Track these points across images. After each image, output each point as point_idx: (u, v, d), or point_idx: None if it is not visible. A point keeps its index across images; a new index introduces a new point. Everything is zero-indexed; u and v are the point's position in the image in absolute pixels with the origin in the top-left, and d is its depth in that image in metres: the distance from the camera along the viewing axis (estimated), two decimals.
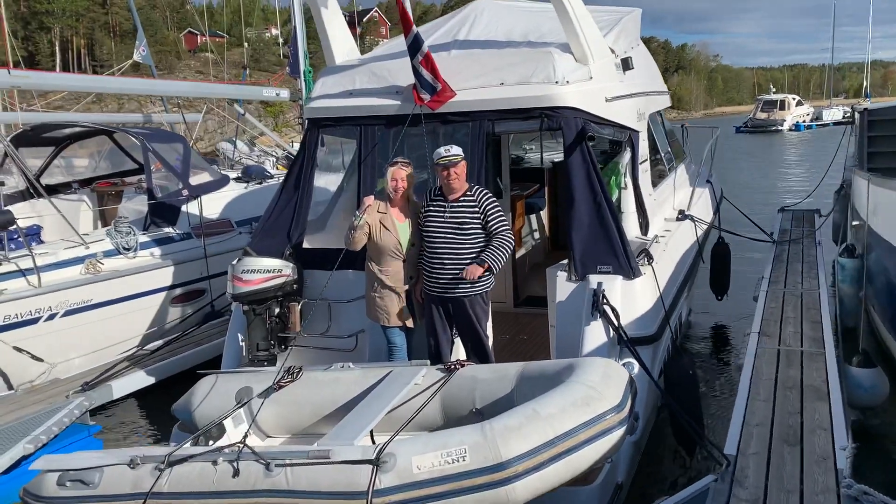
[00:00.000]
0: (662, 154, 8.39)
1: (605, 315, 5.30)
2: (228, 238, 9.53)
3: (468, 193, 5.33)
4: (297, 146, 16.41)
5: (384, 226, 5.47)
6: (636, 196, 6.61)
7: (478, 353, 5.44)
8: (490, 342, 5.56)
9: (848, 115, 63.30)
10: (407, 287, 5.55)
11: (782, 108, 58.94)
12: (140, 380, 7.06)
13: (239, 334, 6.16)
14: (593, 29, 6.31)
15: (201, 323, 8.63)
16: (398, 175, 5.48)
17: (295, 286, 6.04)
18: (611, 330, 5.32)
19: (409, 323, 5.59)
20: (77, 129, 10.07)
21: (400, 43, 7.13)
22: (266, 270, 5.85)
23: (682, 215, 7.65)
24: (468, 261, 5.25)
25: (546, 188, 10.13)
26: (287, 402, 5.13)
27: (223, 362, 6.22)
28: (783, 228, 12.45)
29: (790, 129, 57.74)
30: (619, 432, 3.94)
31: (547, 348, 6.75)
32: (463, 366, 4.95)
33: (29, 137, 9.80)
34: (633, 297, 5.53)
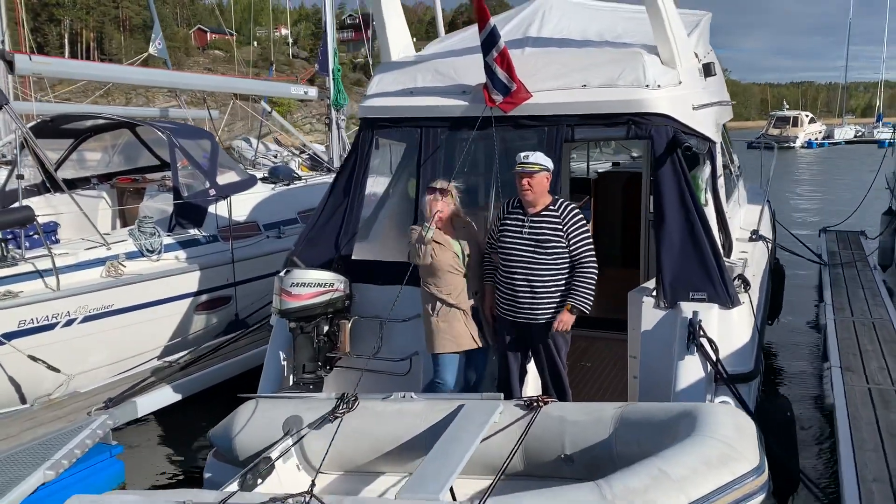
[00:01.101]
0: (730, 169, 7.82)
1: (702, 349, 4.72)
2: (255, 242, 8.95)
3: (551, 207, 4.76)
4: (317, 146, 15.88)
5: (437, 242, 4.92)
6: (718, 213, 6.04)
7: (556, 386, 4.86)
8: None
9: (860, 134, 62.72)
10: (472, 303, 4.99)
11: (795, 124, 58.43)
12: (166, 396, 6.46)
13: (281, 353, 5.58)
14: (682, 30, 5.74)
15: (225, 332, 8.06)
16: (435, 207, 4.99)
17: (346, 302, 5.46)
18: (708, 366, 4.74)
19: (480, 343, 5.03)
20: (98, 122, 9.50)
21: (462, 39, 6.58)
22: (317, 284, 5.26)
23: (756, 235, 7.06)
24: (549, 283, 4.69)
25: (592, 200, 9.55)
26: (342, 434, 4.54)
27: (261, 383, 5.62)
28: (831, 250, 11.89)
29: (802, 147, 57.19)
30: (760, 499, 3.35)
31: (618, 379, 6.19)
32: (546, 402, 4.37)
33: (48, 128, 9.21)
34: (729, 329, 4.94)
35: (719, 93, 7.28)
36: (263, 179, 10.48)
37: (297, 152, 17.67)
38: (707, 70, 6.29)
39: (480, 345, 5.06)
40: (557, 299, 4.72)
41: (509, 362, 4.92)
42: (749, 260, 6.16)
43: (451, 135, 5.70)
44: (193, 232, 8.37)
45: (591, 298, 4.76)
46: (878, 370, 6.44)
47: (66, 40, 62.54)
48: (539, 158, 4.72)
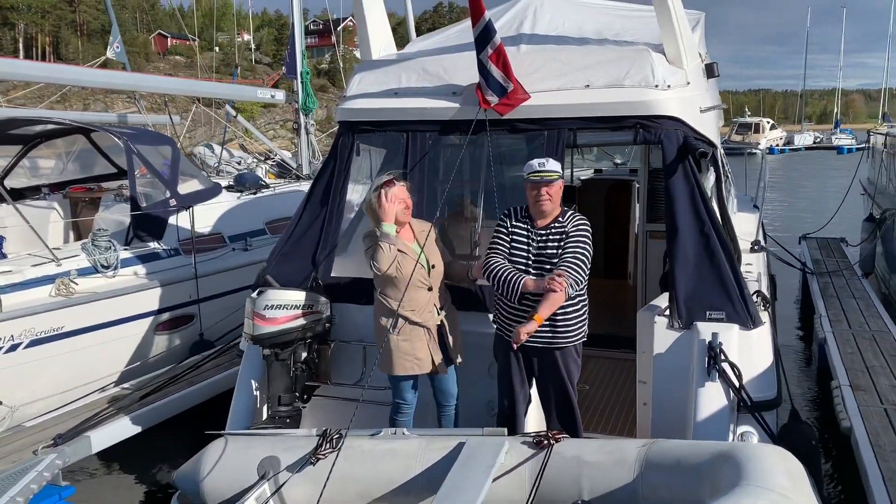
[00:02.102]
0: (727, 175, 7.44)
1: (724, 375, 4.28)
2: (220, 255, 8.34)
3: (560, 219, 4.28)
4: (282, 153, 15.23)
5: (400, 250, 4.43)
6: (726, 224, 5.63)
7: (565, 418, 4.38)
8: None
9: (819, 140, 63.80)
10: (438, 320, 4.51)
11: (757, 130, 59.10)
12: (124, 429, 5.81)
13: (253, 382, 5.02)
14: (688, 27, 5.33)
15: (189, 354, 7.44)
16: (401, 195, 4.47)
17: (326, 325, 4.92)
18: (730, 393, 4.30)
19: (443, 370, 4.57)
20: (49, 127, 8.79)
21: (450, 35, 6.10)
22: (294, 306, 4.71)
23: (758, 246, 6.68)
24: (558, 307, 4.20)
25: (576, 209, 9.13)
26: (325, 477, 4.01)
27: (231, 417, 5.05)
28: (814, 258, 11.63)
29: (765, 153, 57.74)
30: None
31: (621, 403, 5.74)
32: (558, 439, 3.88)
33: None
34: (750, 351, 4.51)
35: (717, 95, 6.91)
36: (229, 188, 9.85)
37: (263, 158, 17.02)
38: (710, 71, 5.89)
39: (444, 373, 4.58)
40: (570, 322, 4.24)
41: (514, 391, 4.42)
42: (756, 273, 5.76)
43: (441, 139, 5.21)
44: (153, 245, 7.73)
45: (555, 302, 4.15)
46: (889, 388, 6.09)
47: (21, 45, 60.85)
48: (555, 166, 4.25)
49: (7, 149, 8.91)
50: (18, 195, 8.86)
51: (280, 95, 11.99)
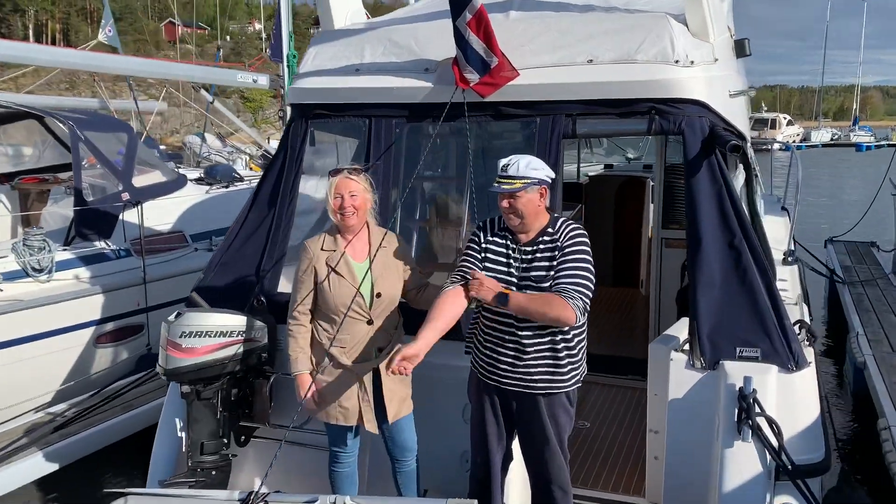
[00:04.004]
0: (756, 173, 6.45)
1: (758, 432, 3.32)
2: (180, 256, 7.44)
3: (549, 230, 3.31)
4: (276, 144, 14.35)
5: (334, 270, 3.48)
6: (757, 233, 4.67)
7: (550, 482, 3.42)
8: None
9: (837, 136, 62.53)
10: (378, 364, 3.57)
11: (773, 126, 57.65)
12: (42, 464, 4.91)
13: (178, 422, 4.10)
14: None
15: (137, 370, 6.53)
16: (346, 188, 3.49)
17: (264, 355, 3.98)
18: (767, 455, 3.35)
19: (372, 428, 3.62)
20: None
21: (432, 2, 5.11)
22: (220, 333, 3.77)
23: (792, 257, 5.68)
24: (547, 339, 3.25)
25: (583, 208, 8.17)
26: None
27: (151, 464, 4.15)
28: (843, 264, 10.60)
29: (781, 149, 56.47)
30: None
31: (627, 445, 4.79)
32: None
33: None
34: (792, 400, 3.54)
35: (745, 79, 5.92)
36: (198, 181, 8.96)
37: (259, 150, 16.16)
38: (741, 48, 4.92)
39: (375, 432, 3.64)
40: (561, 363, 3.28)
41: (488, 444, 3.47)
42: (792, 294, 4.78)
43: (411, 127, 4.25)
44: (100, 245, 6.84)
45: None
46: None
47: (31, 31, 60.39)
48: (524, 168, 3.23)
49: None
50: None
51: (263, 80, 11.05)
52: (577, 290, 3.08)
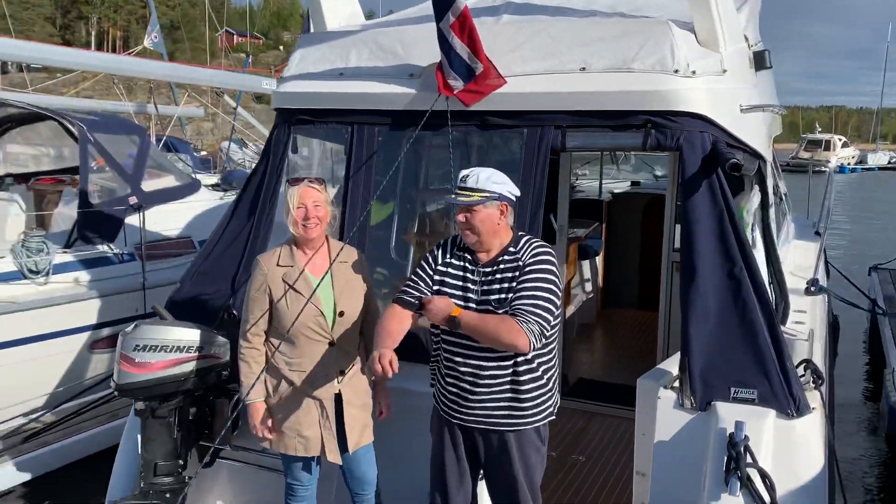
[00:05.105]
0: (780, 196, 6.07)
1: (749, 486, 2.96)
2: (182, 263, 7.28)
3: (511, 249, 3.01)
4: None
5: (292, 287, 3.23)
6: (769, 260, 4.30)
7: None
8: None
9: (894, 160, 60.58)
10: (339, 389, 3.31)
11: (827, 148, 56.01)
12: (12, 474, 4.78)
13: (139, 439, 3.90)
14: (728, 1, 4.02)
15: None
16: (308, 197, 3.24)
17: (224, 373, 3.75)
18: None
19: (335, 458, 3.35)
20: (9, 112, 7.90)
21: (425, 5, 4.86)
22: (177, 348, 3.55)
23: (816, 287, 5.26)
24: (512, 367, 2.96)
25: (604, 227, 7.83)
26: None
27: (111, 484, 3.97)
28: (887, 294, 10.01)
29: (834, 171, 54.81)
30: None
31: (624, 491, 4.44)
32: None
33: None
34: (790, 450, 3.17)
35: (771, 94, 5.54)
36: (214, 186, 8.87)
37: None
38: (760, 60, 4.57)
39: (339, 462, 3.37)
40: (529, 394, 2.98)
41: (446, 487, 3.18)
42: (812, 327, 4.39)
43: (392, 135, 4.01)
44: (102, 248, 6.75)
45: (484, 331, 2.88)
46: None
47: (93, 39, 62.28)
48: (484, 181, 2.94)
49: None
50: None
51: None
52: (533, 314, 2.79)
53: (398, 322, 2.96)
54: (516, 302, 2.83)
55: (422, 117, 3.74)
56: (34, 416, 5.45)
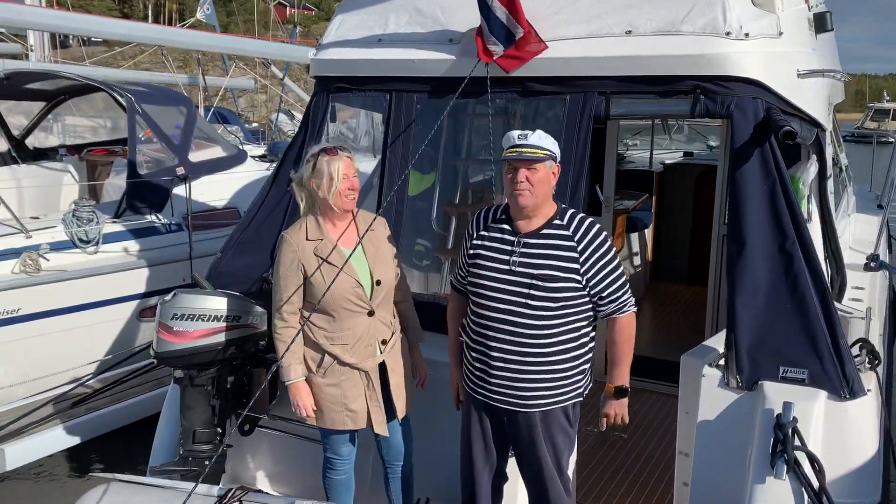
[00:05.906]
0: (840, 167, 5.79)
1: (798, 469, 2.84)
2: (230, 232, 7.34)
3: (556, 221, 2.91)
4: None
5: (326, 260, 3.15)
6: (826, 234, 4.09)
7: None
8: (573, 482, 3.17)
9: None
10: (383, 358, 3.27)
11: (895, 118, 53.71)
12: (48, 443, 4.89)
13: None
14: None
15: None
16: (350, 168, 3.19)
17: (263, 342, 3.75)
18: (804, 495, 2.86)
19: (382, 430, 3.31)
20: (65, 84, 8.03)
21: None
22: (215, 317, 3.56)
23: (876, 262, 5.01)
24: (547, 349, 2.87)
25: (654, 199, 7.61)
26: None
27: (153, 450, 4.05)
28: None
29: None
30: None
31: (666, 471, 4.33)
32: None
33: (4, 88, 7.80)
34: (842, 433, 3.03)
35: (832, 59, 5.26)
36: (261, 157, 8.91)
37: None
38: (821, 22, 4.32)
39: (386, 434, 3.33)
40: (561, 375, 2.90)
41: (474, 464, 3.12)
42: (870, 305, 4.17)
43: (431, 103, 3.92)
44: (151, 218, 6.83)
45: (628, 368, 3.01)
46: None
47: (150, 12, 63.29)
48: (544, 140, 2.87)
49: (22, 106, 8.24)
50: (42, 155, 8.25)
51: None
52: (625, 295, 2.91)
53: (462, 313, 3.12)
54: (605, 293, 2.87)
55: (461, 84, 3.64)
56: (83, 382, 5.57)
